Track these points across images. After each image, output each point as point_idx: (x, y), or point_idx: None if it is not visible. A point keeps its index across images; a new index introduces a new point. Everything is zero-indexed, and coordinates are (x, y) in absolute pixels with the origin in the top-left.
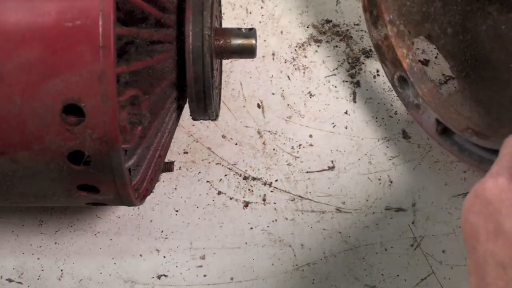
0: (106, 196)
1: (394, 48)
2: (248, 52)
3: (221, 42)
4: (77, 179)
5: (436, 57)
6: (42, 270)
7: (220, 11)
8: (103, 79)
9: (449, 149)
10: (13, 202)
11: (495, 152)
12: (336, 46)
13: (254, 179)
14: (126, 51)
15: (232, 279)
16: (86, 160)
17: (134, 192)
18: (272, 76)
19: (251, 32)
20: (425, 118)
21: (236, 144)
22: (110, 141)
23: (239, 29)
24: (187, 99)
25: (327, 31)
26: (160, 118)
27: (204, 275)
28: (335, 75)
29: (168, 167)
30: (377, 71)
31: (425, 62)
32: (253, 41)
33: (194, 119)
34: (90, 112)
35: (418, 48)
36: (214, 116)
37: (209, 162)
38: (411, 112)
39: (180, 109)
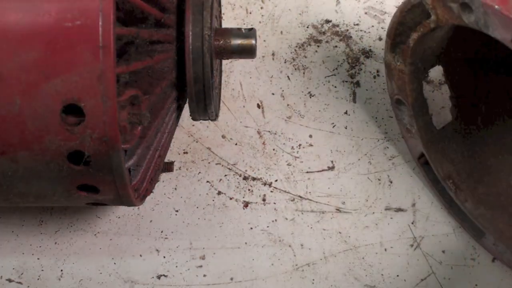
0: (106, 196)
1: (405, 82)
2: (248, 52)
3: (221, 42)
4: (77, 179)
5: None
6: (42, 270)
7: (220, 11)
8: (103, 79)
9: (425, 178)
10: (13, 202)
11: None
12: (336, 46)
13: (254, 179)
14: (126, 51)
15: (232, 279)
16: (86, 160)
17: (134, 192)
18: (272, 76)
19: (251, 32)
20: (412, 143)
21: (236, 144)
22: (110, 141)
23: (239, 29)
24: (187, 99)
25: (327, 31)
26: (160, 118)
27: (204, 275)
28: (335, 75)
29: (168, 167)
30: (377, 71)
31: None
32: (253, 41)
33: (194, 119)
34: (90, 112)
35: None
36: (214, 116)
37: (209, 162)
38: (401, 129)
39: (180, 109)
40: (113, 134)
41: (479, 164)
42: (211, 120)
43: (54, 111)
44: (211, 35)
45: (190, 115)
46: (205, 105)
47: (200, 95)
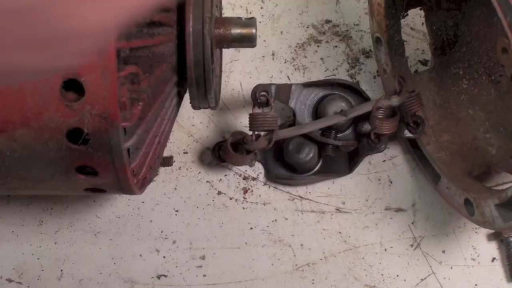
0: (104, 180)
1: (382, 17)
2: (248, 40)
3: (221, 30)
4: (76, 160)
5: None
6: (42, 270)
7: (221, 1)
8: (103, 54)
9: None
10: (11, 187)
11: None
12: (336, 46)
13: (254, 179)
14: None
15: (232, 279)
16: (85, 138)
17: (132, 176)
18: (272, 76)
19: (251, 21)
20: (387, 84)
21: None
22: (109, 117)
23: (239, 18)
24: (187, 86)
25: (327, 31)
26: (160, 101)
27: (204, 275)
28: (335, 75)
29: (168, 161)
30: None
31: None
32: (253, 30)
33: (194, 107)
34: (89, 87)
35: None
36: (214, 103)
37: (209, 162)
38: (379, 69)
39: (180, 96)
40: (112, 110)
41: (449, 114)
42: (212, 108)
43: (54, 86)
44: (212, 18)
45: (190, 103)
46: (205, 90)
47: (200, 80)
